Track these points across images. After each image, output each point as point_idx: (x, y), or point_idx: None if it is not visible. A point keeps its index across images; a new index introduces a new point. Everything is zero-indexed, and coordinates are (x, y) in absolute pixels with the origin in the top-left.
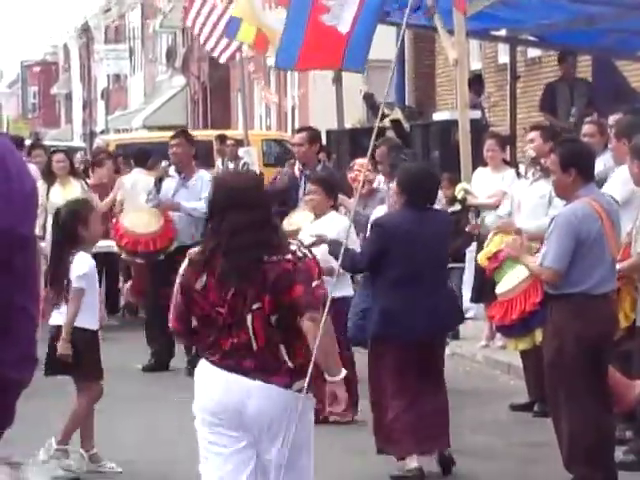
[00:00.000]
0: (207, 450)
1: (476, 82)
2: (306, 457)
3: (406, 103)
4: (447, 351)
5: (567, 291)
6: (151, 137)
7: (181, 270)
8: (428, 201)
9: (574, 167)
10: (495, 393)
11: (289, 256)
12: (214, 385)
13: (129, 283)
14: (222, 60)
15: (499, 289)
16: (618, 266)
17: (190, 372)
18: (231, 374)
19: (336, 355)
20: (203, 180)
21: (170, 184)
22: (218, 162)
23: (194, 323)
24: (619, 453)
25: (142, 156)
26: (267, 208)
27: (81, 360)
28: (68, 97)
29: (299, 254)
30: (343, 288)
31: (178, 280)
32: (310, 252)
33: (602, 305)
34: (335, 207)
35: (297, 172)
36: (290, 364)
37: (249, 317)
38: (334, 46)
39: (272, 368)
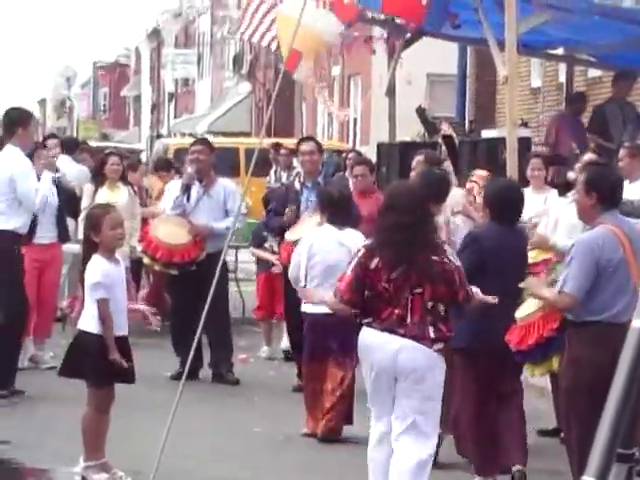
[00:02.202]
0: (371, 395)
1: (578, 100)
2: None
3: (466, 119)
4: None
5: (588, 319)
6: (214, 142)
7: (359, 254)
8: (515, 216)
9: (596, 191)
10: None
11: (446, 259)
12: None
13: (144, 291)
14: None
15: (519, 313)
16: None
17: (217, 378)
18: (387, 335)
19: None
20: (226, 189)
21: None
22: (271, 171)
23: (366, 294)
24: None
25: (70, 143)
26: (418, 212)
27: (83, 365)
28: (137, 99)
29: (453, 259)
30: None
31: (355, 261)
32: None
33: (622, 334)
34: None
35: (297, 185)
36: (432, 335)
37: (410, 297)
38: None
39: (419, 337)
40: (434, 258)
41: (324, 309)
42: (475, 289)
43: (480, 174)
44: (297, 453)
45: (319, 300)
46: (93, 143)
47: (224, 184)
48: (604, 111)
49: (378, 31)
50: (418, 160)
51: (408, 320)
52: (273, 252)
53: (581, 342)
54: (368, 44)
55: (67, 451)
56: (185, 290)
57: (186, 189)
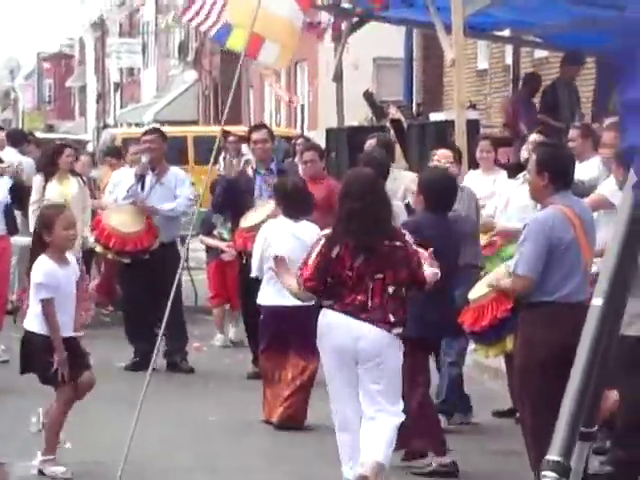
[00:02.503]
0: (331, 376)
1: (532, 81)
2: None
3: (414, 102)
4: None
5: (541, 299)
6: None
7: (321, 243)
8: (449, 205)
9: (548, 171)
10: (480, 398)
11: (405, 243)
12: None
13: (95, 282)
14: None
15: (471, 294)
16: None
17: (171, 367)
18: (348, 318)
19: None
20: (177, 177)
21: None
22: (220, 158)
23: (329, 281)
24: (595, 463)
25: (17, 135)
26: (368, 197)
27: (31, 364)
28: (82, 90)
29: (410, 242)
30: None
31: (317, 249)
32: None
33: (574, 314)
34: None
35: (250, 172)
36: (392, 319)
37: (371, 283)
38: None
39: (379, 320)
40: (394, 243)
41: (282, 301)
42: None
43: (443, 153)
44: (257, 440)
45: (287, 285)
46: (39, 134)
47: (175, 172)
48: (555, 91)
49: (324, 16)
50: (370, 144)
51: (369, 305)
52: (222, 239)
53: (534, 323)
54: (315, 30)
55: (34, 444)
56: (138, 279)
57: (140, 178)
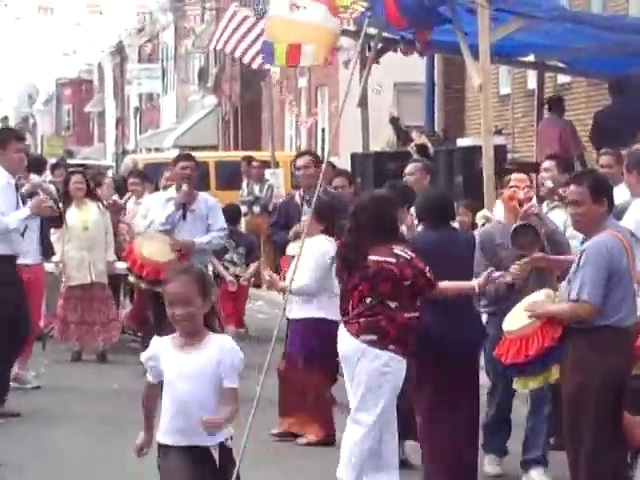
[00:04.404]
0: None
1: (557, 104)
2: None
3: (435, 128)
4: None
5: (599, 323)
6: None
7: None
8: (449, 220)
9: (606, 197)
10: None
11: (390, 259)
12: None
13: (128, 309)
14: (254, 66)
15: (507, 326)
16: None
17: None
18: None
19: None
20: (207, 204)
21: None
22: (244, 184)
23: None
24: None
25: (37, 162)
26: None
27: None
28: (101, 115)
29: (402, 256)
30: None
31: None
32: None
33: (628, 338)
34: (328, 231)
35: (298, 199)
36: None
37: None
38: None
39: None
40: (374, 258)
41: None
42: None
43: (518, 177)
44: None
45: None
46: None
47: (204, 198)
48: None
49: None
50: (410, 170)
51: (350, 314)
52: (233, 263)
53: (592, 347)
54: (334, 55)
55: (52, 474)
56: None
57: (180, 207)
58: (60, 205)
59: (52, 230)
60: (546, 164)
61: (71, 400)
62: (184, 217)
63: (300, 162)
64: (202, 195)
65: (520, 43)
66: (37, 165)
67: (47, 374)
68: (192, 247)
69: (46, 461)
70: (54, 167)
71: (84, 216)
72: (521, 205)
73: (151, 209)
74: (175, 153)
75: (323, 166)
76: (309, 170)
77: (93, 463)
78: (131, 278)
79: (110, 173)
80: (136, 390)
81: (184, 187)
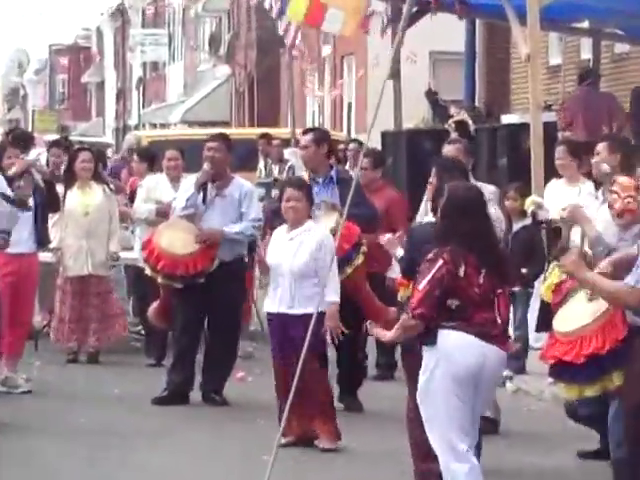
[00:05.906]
0: (446, 402)
1: (590, 75)
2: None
3: (476, 102)
4: (511, 387)
5: None
6: (190, 134)
7: (439, 265)
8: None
9: None
10: (562, 437)
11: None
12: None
13: (155, 304)
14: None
15: (562, 326)
16: None
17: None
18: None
19: None
20: (243, 189)
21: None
22: (261, 164)
23: (456, 303)
24: None
25: (22, 138)
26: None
27: None
28: (100, 87)
29: None
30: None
31: (438, 274)
32: None
33: None
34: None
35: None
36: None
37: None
38: None
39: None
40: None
41: None
42: None
43: (621, 182)
44: None
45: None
46: (51, 136)
47: (240, 183)
48: None
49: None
50: (449, 150)
51: (498, 322)
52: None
53: None
54: (367, 25)
55: None
56: (191, 305)
57: (200, 188)
58: (57, 188)
59: (50, 216)
60: (599, 147)
61: (66, 407)
62: (204, 200)
63: (301, 142)
64: (238, 179)
65: (573, 7)
66: (23, 141)
67: (39, 377)
68: (220, 237)
69: (31, 475)
70: (52, 145)
71: (86, 200)
72: (619, 216)
73: (151, 191)
74: (182, 129)
75: (350, 145)
76: (309, 150)
77: None
78: (147, 271)
79: (109, 152)
80: (139, 396)
81: (205, 166)
